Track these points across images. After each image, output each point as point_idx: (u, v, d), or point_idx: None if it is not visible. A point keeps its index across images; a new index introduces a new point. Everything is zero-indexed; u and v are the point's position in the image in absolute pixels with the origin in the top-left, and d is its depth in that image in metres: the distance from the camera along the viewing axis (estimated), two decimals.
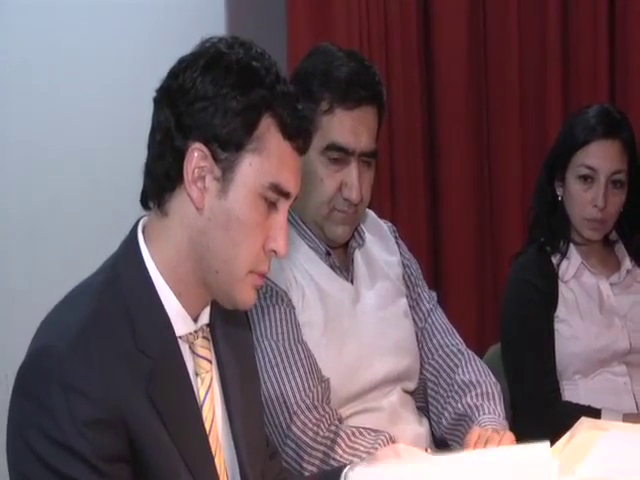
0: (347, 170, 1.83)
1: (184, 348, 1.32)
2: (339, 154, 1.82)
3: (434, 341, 2.03)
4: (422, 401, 2.03)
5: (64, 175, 2.54)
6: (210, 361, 1.37)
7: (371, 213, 2.10)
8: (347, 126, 1.81)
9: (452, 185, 3.17)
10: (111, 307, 1.25)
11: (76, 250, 2.50)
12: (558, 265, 2.35)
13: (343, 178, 1.83)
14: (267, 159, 1.27)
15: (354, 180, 1.83)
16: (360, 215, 1.94)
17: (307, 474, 1.70)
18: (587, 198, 2.29)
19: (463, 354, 2.01)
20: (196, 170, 1.26)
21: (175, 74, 1.29)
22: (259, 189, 1.27)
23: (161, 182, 1.29)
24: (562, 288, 2.32)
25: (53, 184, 2.53)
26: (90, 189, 2.59)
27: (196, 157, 1.26)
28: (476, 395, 1.90)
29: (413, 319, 2.04)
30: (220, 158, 1.26)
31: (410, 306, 2.05)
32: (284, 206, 1.31)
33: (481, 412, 1.86)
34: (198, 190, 1.27)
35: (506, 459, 1.30)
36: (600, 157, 2.27)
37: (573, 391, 2.27)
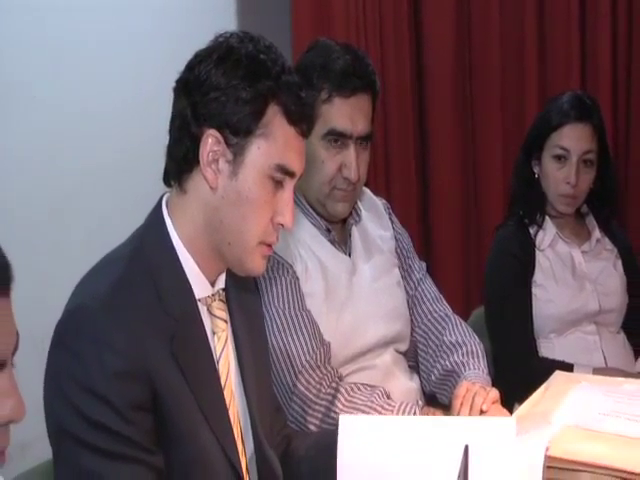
0: (346, 152, 1.85)
1: (203, 310, 1.35)
2: (338, 138, 1.84)
3: (423, 307, 2.06)
4: (413, 361, 2.05)
5: (83, 164, 2.52)
6: (226, 321, 1.40)
7: (367, 191, 2.11)
8: (345, 113, 1.82)
9: (440, 165, 3.19)
10: (138, 272, 1.28)
11: (98, 230, 2.48)
12: (535, 235, 2.38)
13: (342, 160, 1.85)
14: (274, 143, 1.30)
15: (352, 161, 1.84)
16: (358, 192, 1.95)
17: (311, 426, 1.73)
18: (561, 176, 2.31)
19: (450, 318, 2.04)
20: (210, 154, 1.29)
21: (191, 67, 1.31)
22: (267, 170, 1.30)
23: (180, 164, 1.32)
24: (539, 256, 2.35)
25: (74, 172, 2.51)
26: (110, 175, 2.57)
27: (210, 142, 1.29)
28: (462, 354, 1.93)
29: (405, 288, 2.06)
30: (231, 143, 1.29)
31: (402, 276, 2.07)
32: (290, 184, 1.34)
33: (467, 368, 1.88)
34: (212, 172, 1.29)
35: (474, 428, 1.29)
36: (572, 139, 2.29)
37: (549, 348, 2.31)
